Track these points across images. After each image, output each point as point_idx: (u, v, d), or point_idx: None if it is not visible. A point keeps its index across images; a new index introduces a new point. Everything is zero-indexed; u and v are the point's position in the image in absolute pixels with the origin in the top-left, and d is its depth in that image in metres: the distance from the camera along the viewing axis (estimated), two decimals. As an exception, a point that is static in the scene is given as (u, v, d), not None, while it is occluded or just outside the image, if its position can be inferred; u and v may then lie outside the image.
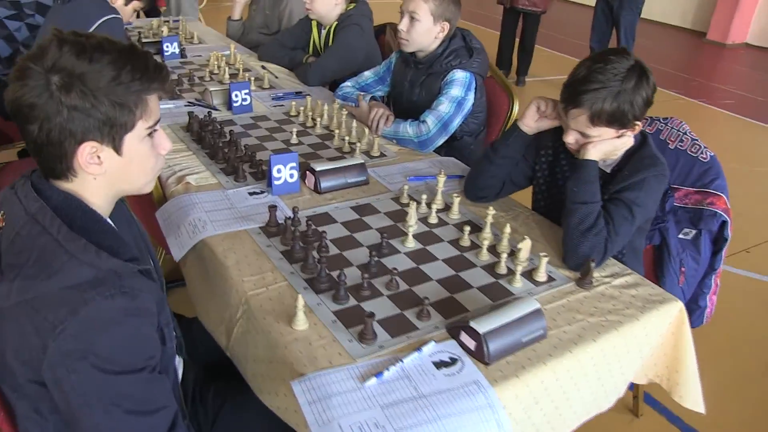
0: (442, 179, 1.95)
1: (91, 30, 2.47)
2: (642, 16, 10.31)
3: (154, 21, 3.91)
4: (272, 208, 1.73)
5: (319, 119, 2.50)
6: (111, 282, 1.03)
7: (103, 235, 1.11)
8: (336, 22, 3.09)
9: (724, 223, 2.07)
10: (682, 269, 2.13)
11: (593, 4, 6.34)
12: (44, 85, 1.04)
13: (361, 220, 1.85)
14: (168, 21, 4.00)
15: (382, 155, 2.33)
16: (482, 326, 1.36)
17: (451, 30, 2.48)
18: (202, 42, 3.80)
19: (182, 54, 3.33)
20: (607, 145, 1.76)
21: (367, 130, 2.41)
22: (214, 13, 7.48)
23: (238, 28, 3.94)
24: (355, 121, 2.49)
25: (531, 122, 1.91)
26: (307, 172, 1.99)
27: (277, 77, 3.13)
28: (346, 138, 2.36)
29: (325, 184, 1.97)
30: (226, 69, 3.07)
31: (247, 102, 2.61)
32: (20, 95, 1.05)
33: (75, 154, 1.09)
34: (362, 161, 2.07)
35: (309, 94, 2.83)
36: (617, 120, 1.70)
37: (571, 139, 1.79)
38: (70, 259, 1.03)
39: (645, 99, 1.71)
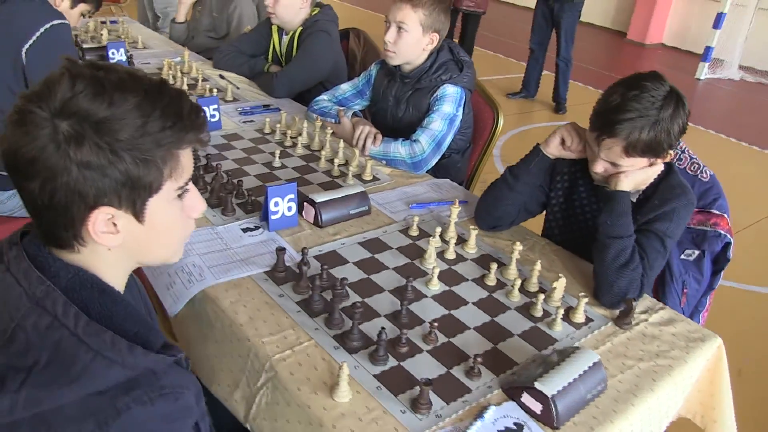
0: (456, 210, 1.79)
1: (33, 39, 2.19)
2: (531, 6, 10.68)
3: (91, 23, 3.51)
4: (281, 251, 1.52)
5: (299, 138, 2.28)
6: (148, 383, 0.82)
7: (128, 321, 0.88)
8: (300, 28, 2.85)
9: (727, 244, 2.03)
10: (685, 290, 2.07)
11: (527, 5, 6.37)
12: (50, 135, 0.80)
13: (374, 259, 1.67)
14: (106, 23, 3.61)
15: (375, 179, 2.14)
16: (548, 388, 1.22)
17: (439, 42, 2.31)
18: (148, 47, 3.45)
19: (129, 62, 2.99)
20: (639, 175, 1.66)
21: (357, 152, 2.21)
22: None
23: (183, 31, 3.65)
24: (342, 141, 2.26)
25: (555, 150, 1.78)
26: (306, 204, 1.79)
27: (238, 88, 2.86)
28: (335, 160, 2.16)
29: (326, 216, 1.77)
30: (183, 79, 2.78)
31: (216, 118, 2.33)
32: (18, 146, 0.80)
33: (86, 221, 0.85)
34: (363, 189, 1.88)
35: (279, 108, 2.62)
36: (652, 150, 1.60)
37: (599, 168, 1.67)
38: (94, 358, 0.80)
39: (681, 127, 1.61)
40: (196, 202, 0.96)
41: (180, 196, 0.92)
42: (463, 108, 2.31)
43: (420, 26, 2.22)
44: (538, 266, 1.63)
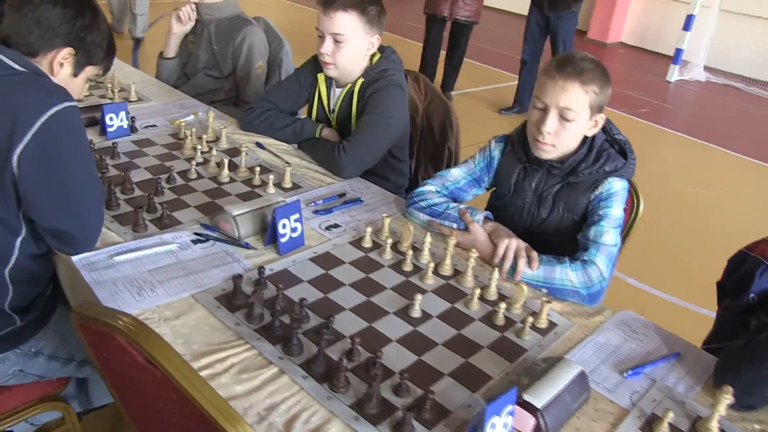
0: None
1: (28, 137, 1.39)
2: (519, 12, 10.69)
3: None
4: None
5: (388, 242, 1.71)
6: None
7: None
8: (361, 80, 2.24)
9: None
10: None
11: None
12: None
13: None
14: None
15: (502, 298, 1.59)
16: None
17: (600, 125, 1.80)
18: (143, 98, 2.64)
19: (132, 127, 2.27)
20: None
21: (471, 261, 1.63)
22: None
23: (173, 69, 2.96)
24: (451, 245, 1.67)
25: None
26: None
27: (288, 164, 2.08)
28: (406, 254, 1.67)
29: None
30: (212, 151, 2.07)
31: (297, 233, 1.69)
32: None
33: None
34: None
35: (360, 199, 1.99)
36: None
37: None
38: None
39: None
40: None
41: None
42: None
43: (588, 110, 1.72)
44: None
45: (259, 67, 2.87)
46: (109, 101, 2.49)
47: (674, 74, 8.05)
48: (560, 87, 1.68)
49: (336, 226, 1.81)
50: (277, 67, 3.02)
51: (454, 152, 2.51)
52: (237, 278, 1.43)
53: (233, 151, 2.19)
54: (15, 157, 1.39)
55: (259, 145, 2.27)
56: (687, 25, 7.67)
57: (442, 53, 6.08)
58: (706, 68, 8.37)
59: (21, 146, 1.38)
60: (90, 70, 1.64)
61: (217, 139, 2.26)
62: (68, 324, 1.68)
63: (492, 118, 5.96)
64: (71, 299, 1.63)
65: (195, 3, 2.82)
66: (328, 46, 2.14)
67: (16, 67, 1.46)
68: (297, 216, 1.65)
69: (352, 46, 2.15)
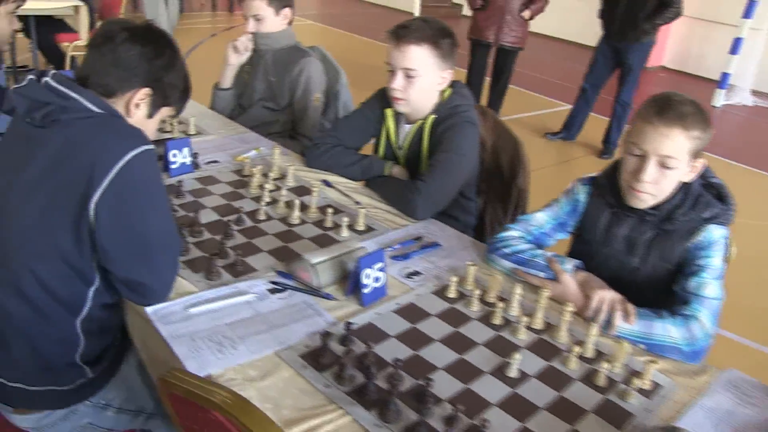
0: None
1: (105, 183, 1.32)
2: (562, 37, 10.56)
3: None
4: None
5: (475, 292, 1.60)
6: None
7: None
8: (432, 116, 2.14)
9: None
10: None
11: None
12: None
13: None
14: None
15: (600, 354, 1.49)
16: None
17: (700, 170, 1.69)
18: (202, 132, 2.55)
19: (195, 164, 2.19)
20: None
21: (593, 328, 1.49)
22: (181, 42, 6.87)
23: (229, 100, 2.89)
24: (544, 297, 1.58)
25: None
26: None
27: (358, 203, 2.06)
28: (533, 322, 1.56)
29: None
30: (281, 191, 1.99)
31: (380, 283, 1.59)
32: None
33: None
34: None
35: (437, 243, 1.87)
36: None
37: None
38: None
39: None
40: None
41: None
42: None
43: (687, 156, 1.60)
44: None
45: (316, 100, 2.80)
46: (167, 134, 2.44)
47: (720, 99, 7.86)
48: (662, 134, 1.56)
49: (417, 273, 1.72)
50: (334, 99, 2.95)
51: (524, 191, 2.40)
52: (326, 336, 1.34)
53: (300, 190, 2.11)
54: (93, 205, 1.33)
55: (326, 183, 2.19)
56: (734, 49, 7.49)
57: (487, 80, 5.99)
58: (754, 92, 8.18)
59: (99, 193, 1.32)
60: (165, 111, 1.59)
61: (283, 177, 2.18)
62: (137, 375, 1.62)
63: (537, 143, 5.85)
64: (141, 350, 1.56)
65: (252, 33, 2.77)
66: (399, 81, 2.07)
67: (94, 108, 1.40)
68: (381, 265, 1.56)
69: (424, 82, 2.07)
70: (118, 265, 1.40)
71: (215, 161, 2.29)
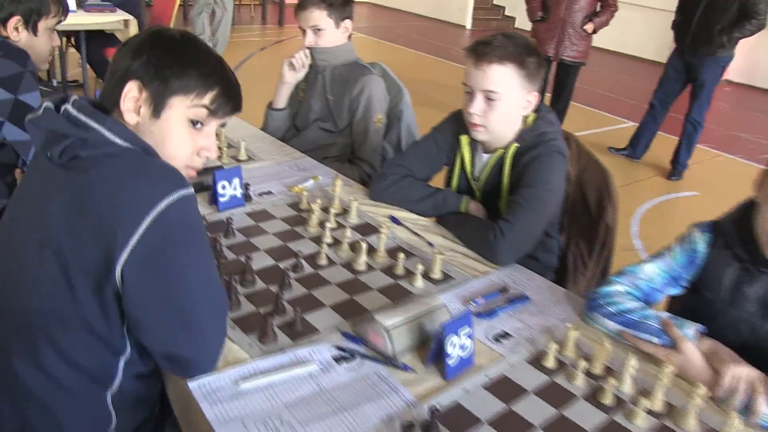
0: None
1: (134, 241, 1.07)
2: (625, 52, 10.16)
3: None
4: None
5: (580, 364, 1.33)
6: None
7: None
8: (515, 145, 1.88)
9: None
10: None
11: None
12: None
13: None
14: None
15: None
16: None
17: None
18: (253, 157, 2.34)
19: (246, 195, 1.97)
20: None
21: (735, 419, 1.19)
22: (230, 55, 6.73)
23: (284, 120, 2.69)
24: (667, 374, 1.27)
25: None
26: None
27: (431, 244, 1.82)
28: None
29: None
30: (346, 239, 1.73)
31: (467, 352, 1.33)
32: None
33: None
34: None
35: (525, 295, 1.61)
36: None
37: None
38: None
39: None
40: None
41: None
42: None
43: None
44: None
45: (378, 121, 2.57)
46: (216, 160, 2.23)
47: (798, 115, 7.41)
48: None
49: (506, 335, 1.45)
50: (397, 120, 2.70)
51: (611, 228, 2.11)
52: (408, 428, 1.09)
53: (365, 228, 1.87)
54: (118, 268, 1.08)
55: (394, 220, 1.93)
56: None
57: (547, 95, 5.69)
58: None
59: (126, 254, 1.07)
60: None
61: (345, 212, 1.95)
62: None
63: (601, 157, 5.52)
64: (184, 427, 1.33)
65: (309, 48, 2.56)
66: (478, 105, 1.81)
67: (118, 141, 1.15)
68: (468, 331, 1.31)
69: (506, 105, 1.81)
70: (153, 337, 1.18)
71: (269, 192, 2.06)
